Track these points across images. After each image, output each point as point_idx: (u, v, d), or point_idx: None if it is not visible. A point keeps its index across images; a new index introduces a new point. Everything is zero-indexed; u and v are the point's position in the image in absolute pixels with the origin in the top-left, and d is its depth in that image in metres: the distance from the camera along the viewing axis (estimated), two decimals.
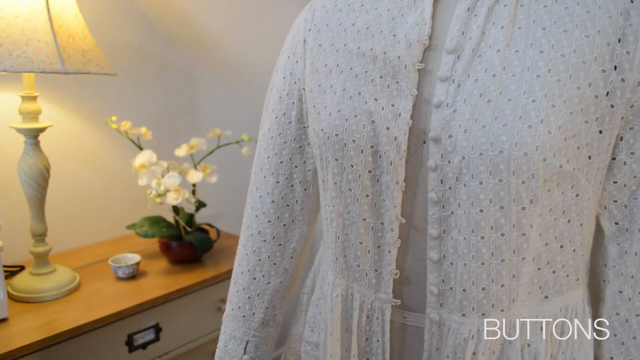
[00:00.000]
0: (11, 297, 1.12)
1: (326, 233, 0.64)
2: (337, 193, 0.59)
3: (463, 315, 0.54)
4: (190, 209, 1.38)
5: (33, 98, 1.13)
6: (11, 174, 1.28)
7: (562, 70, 0.49)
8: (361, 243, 0.58)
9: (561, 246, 0.54)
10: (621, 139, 0.53)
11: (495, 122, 0.49)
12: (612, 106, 0.50)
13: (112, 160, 1.50)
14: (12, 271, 1.23)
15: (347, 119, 0.56)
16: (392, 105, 0.54)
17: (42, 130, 1.14)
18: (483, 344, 0.54)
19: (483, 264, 0.52)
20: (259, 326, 0.71)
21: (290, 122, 0.66)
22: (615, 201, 0.56)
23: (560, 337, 0.57)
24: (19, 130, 1.13)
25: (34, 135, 1.14)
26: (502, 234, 0.51)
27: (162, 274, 1.31)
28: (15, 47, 1.00)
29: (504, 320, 0.54)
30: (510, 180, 0.49)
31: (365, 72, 0.56)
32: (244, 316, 0.71)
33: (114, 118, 1.33)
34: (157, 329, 1.21)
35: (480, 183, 0.50)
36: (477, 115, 0.49)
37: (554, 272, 0.55)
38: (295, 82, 0.65)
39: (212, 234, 1.48)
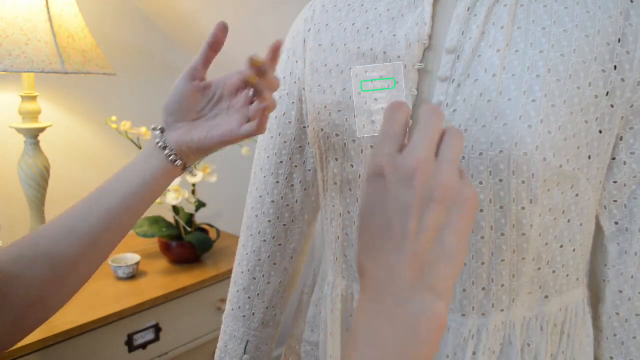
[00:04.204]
0: None
1: (326, 233, 0.64)
2: (337, 193, 0.59)
3: (463, 315, 0.54)
4: (190, 209, 1.39)
5: (33, 98, 1.13)
6: (11, 174, 1.28)
7: (562, 70, 0.49)
8: None
9: (561, 246, 0.54)
10: (621, 139, 0.53)
11: (495, 122, 0.49)
12: (612, 106, 0.50)
13: (112, 160, 1.50)
14: None
15: (347, 119, 0.56)
16: None
17: (42, 130, 1.15)
18: (483, 344, 0.54)
19: (483, 264, 0.52)
20: (259, 326, 0.71)
21: (290, 122, 0.66)
22: (615, 201, 0.56)
23: (560, 337, 0.57)
24: (19, 130, 1.13)
25: (34, 135, 1.14)
26: (502, 234, 0.51)
27: (162, 274, 1.31)
28: (15, 47, 1.00)
29: (504, 320, 0.54)
30: (510, 180, 0.49)
31: (366, 72, 0.56)
32: (244, 316, 0.71)
33: (114, 118, 1.33)
34: (157, 329, 1.21)
35: (480, 183, 0.50)
36: (477, 115, 0.49)
37: (554, 272, 0.55)
38: (295, 82, 0.65)
39: (212, 234, 1.48)
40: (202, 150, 0.56)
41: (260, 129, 0.54)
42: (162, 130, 0.56)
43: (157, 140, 0.56)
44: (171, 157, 0.55)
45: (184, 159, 0.56)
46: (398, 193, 0.35)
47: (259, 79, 0.52)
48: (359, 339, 0.34)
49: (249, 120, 0.55)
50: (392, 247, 0.35)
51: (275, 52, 0.52)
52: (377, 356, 0.33)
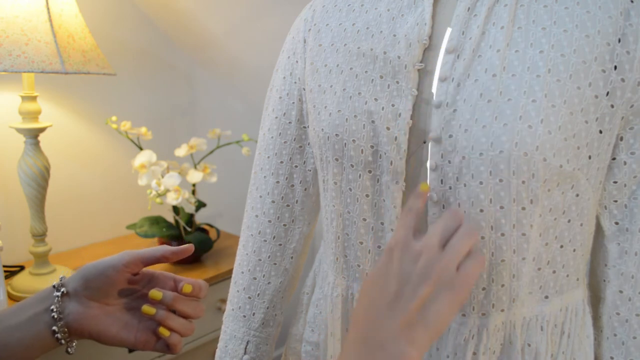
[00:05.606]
0: (11, 297, 1.12)
1: (326, 233, 0.64)
2: (337, 193, 0.59)
3: (463, 315, 0.54)
4: (190, 209, 1.39)
5: (33, 98, 1.13)
6: (11, 174, 1.28)
7: (562, 70, 0.49)
8: (361, 243, 0.58)
9: (561, 246, 0.54)
10: (621, 139, 0.53)
11: (495, 122, 0.49)
12: (612, 106, 0.50)
13: (112, 160, 1.50)
14: (12, 271, 1.24)
15: (347, 119, 0.56)
16: (392, 105, 0.54)
17: (42, 130, 1.14)
18: (483, 344, 0.54)
19: None
20: (259, 326, 0.71)
21: (290, 122, 0.66)
22: (616, 201, 0.56)
23: (561, 337, 0.57)
24: (19, 130, 1.12)
25: (34, 135, 1.13)
26: (502, 234, 0.51)
27: None
28: (15, 47, 1.00)
29: (504, 320, 0.54)
30: (510, 180, 0.49)
31: (366, 72, 0.56)
32: (244, 316, 0.71)
33: (114, 118, 1.33)
34: None
35: (481, 183, 0.50)
36: (477, 115, 0.49)
37: (554, 272, 0.55)
38: (295, 82, 0.65)
39: (212, 234, 1.48)
40: (100, 340, 0.51)
41: (172, 351, 0.52)
42: (65, 294, 0.49)
43: (53, 308, 0.48)
44: (58, 336, 0.48)
45: (72, 335, 0.50)
46: (403, 266, 0.44)
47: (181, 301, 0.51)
48: None
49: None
50: (387, 305, 0.43)
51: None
52: None
